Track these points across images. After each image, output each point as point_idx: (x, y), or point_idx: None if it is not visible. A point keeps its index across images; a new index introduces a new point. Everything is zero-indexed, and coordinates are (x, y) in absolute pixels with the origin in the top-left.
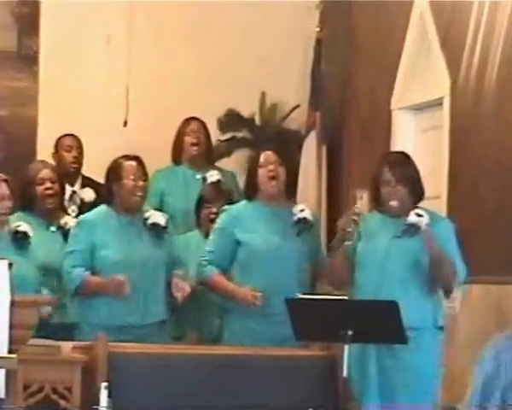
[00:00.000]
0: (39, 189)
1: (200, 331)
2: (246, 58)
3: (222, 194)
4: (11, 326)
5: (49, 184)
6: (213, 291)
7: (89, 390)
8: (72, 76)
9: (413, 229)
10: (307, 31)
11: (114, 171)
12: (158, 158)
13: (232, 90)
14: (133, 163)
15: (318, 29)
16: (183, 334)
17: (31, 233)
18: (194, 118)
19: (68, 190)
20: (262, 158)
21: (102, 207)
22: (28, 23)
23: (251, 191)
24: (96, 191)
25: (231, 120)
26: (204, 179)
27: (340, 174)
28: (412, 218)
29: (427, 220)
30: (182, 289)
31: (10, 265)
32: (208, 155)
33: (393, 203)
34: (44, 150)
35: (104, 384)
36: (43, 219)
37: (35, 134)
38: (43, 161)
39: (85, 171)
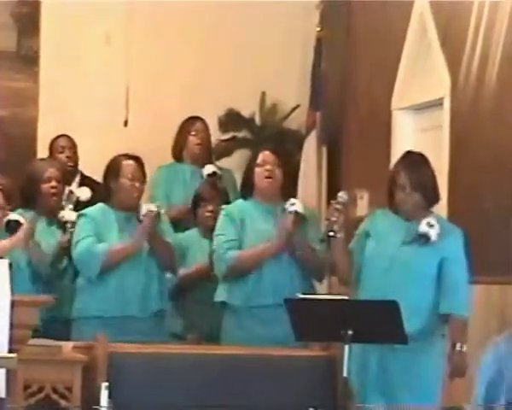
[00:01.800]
0: (45, 187)
1: (201, 330)
2: (246, 58)
3: (218, 192)
4: (11, 326)
5: (54, 183)
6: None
7: (89, 390)
8: (72, 76)
9: (423, 239)
10: (307, 31)
11: (113, 169)
12: (158, 158)
13: (232, 90)
14: (132, 162)
15: (318, 29)
16: (184, 331)
17: (22, 220)
18: (198, 117)
19: (66, 189)
20: (260, 157)
21: (100, 205)
22: (28, 23)
23: (247, 189)
24: (94, 190)
25: (231, 119)
26: (201, 176)
27: (340, 174)
28: (423, 228)
29: (438, 230)
30: (148, 213)
31: (11, 265)
32: (209, 155)
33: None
34: (44, 150)
35: (104, 384)
36: (44, 216)
37: (35, 134)
38: (49, 160)
39: (85, 171)
